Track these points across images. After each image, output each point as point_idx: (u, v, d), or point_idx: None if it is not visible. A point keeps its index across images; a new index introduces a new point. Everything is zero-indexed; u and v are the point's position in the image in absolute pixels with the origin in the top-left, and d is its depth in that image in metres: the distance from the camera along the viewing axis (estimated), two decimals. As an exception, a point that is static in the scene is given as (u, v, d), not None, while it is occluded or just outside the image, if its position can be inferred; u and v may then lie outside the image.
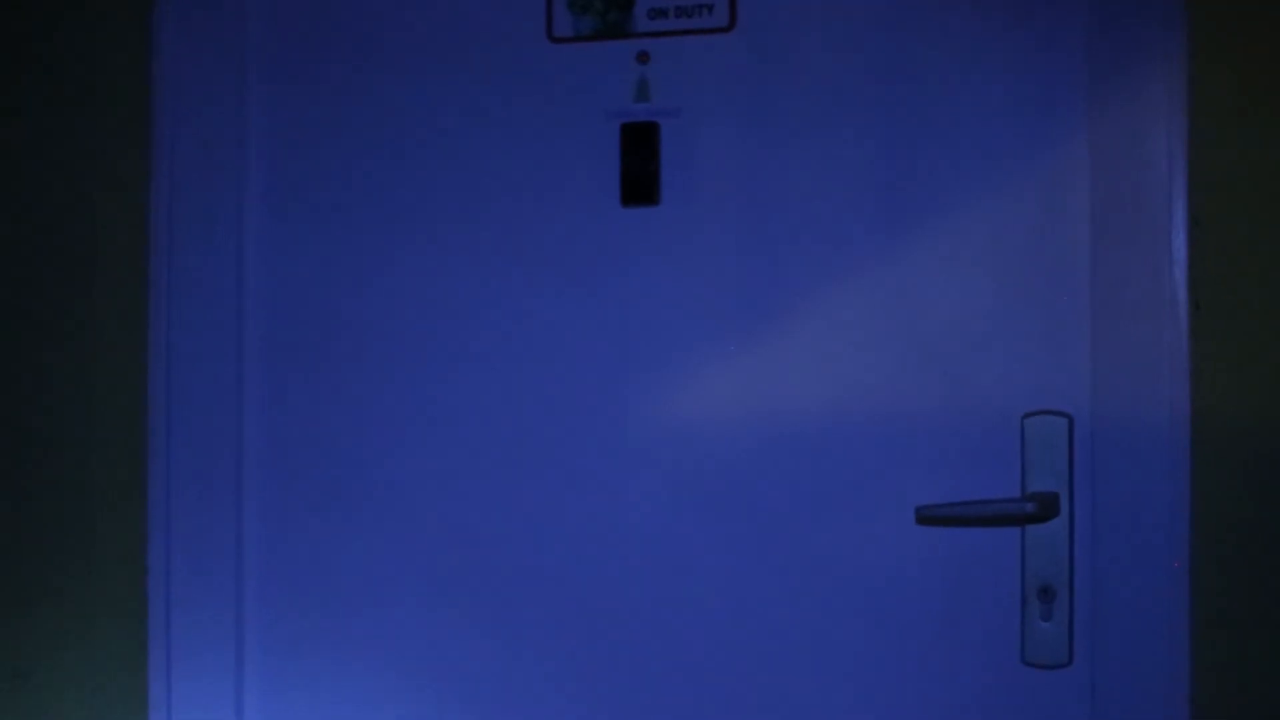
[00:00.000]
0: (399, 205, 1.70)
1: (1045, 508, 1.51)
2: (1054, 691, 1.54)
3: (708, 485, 1.62)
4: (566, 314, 1.65)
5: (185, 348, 1.71)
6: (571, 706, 1.65)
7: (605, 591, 1.64)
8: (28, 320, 1.76)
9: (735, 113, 1.61)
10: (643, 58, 1.63)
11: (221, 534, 1.71)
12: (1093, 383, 1.52)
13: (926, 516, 1.52)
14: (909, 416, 1.57)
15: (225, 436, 1.71)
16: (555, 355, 1.66)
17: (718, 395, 1.62)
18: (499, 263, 1.67)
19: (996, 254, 1.55)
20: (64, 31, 1.75)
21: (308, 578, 1.72)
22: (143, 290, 1.73)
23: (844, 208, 1.59)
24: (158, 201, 1.72)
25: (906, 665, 1.58)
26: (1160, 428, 1.49)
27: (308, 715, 1.72)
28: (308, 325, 1.72)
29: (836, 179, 1.59)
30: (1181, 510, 1.49)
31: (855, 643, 1.59)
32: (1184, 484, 1.49)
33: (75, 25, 1.75)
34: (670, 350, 1.63)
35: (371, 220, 1.71)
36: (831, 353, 1.59)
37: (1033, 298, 1.55)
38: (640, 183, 1.61)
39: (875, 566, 1.58)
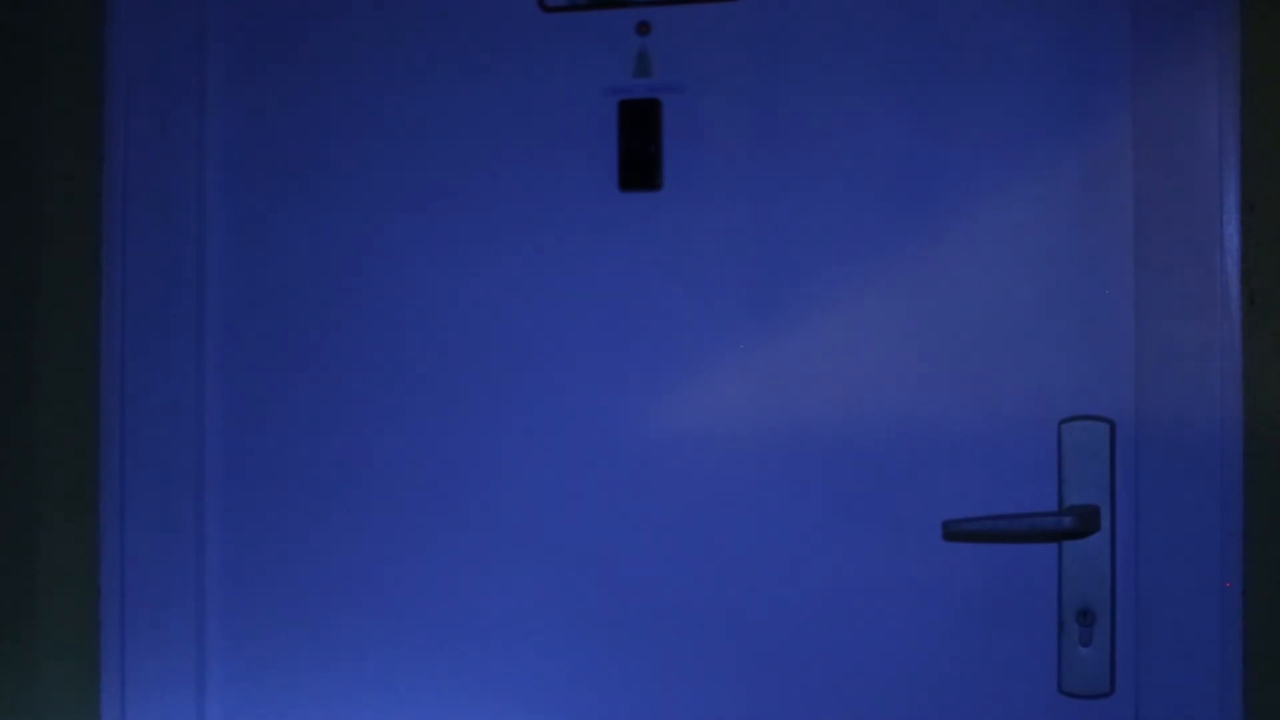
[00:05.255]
0: (375, 190, 1.68)
1: (1085, 522, 1.47)
2: (1094, 724, 1.52)
3: (712, 494, 1.60)
4: (559, 308, 1.63)
5: (141, 346, 1.70)
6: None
7: (594, 597, 1.62)
8: (-37, 318, 1.76)
9: (744, 89, 1.59)
10: (643, 28, 1.61)
11: (181, 552, 1.69)
12: (1136, 385, 1.49)
13: (955, 532, 1.49)
14: (935, 422, 1.54)
15: (185, 443, 1.69)
16: (546, 352, 1.64)
17: (723, 399, 1.60)
18: (485, 251, 1.65)
19: (1030, 242, 1.53)
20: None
21: (277, 598, 1.70)
22: (94, 283, 1.70)
23: (863, 192, 1.57)
24: (111, 186, 1.70)
25: (932, 693, 1.55)
26: (1210, 434, 1.46)
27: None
28: (276, 320, 1.70)
29: (855, 161, 1.57)
30: (1234, 525, 1.46)
31: (875, 669, 1.56)
32: (1237, 496, 1.46)
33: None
34: (672, 348, 1.61)
35: (344, 206, 1.69)
36: (850, 352, 1.57)
37: (1070, 291, 1.52)
38: (640, 165, 1.60)
39: (897, 586, 1.55)
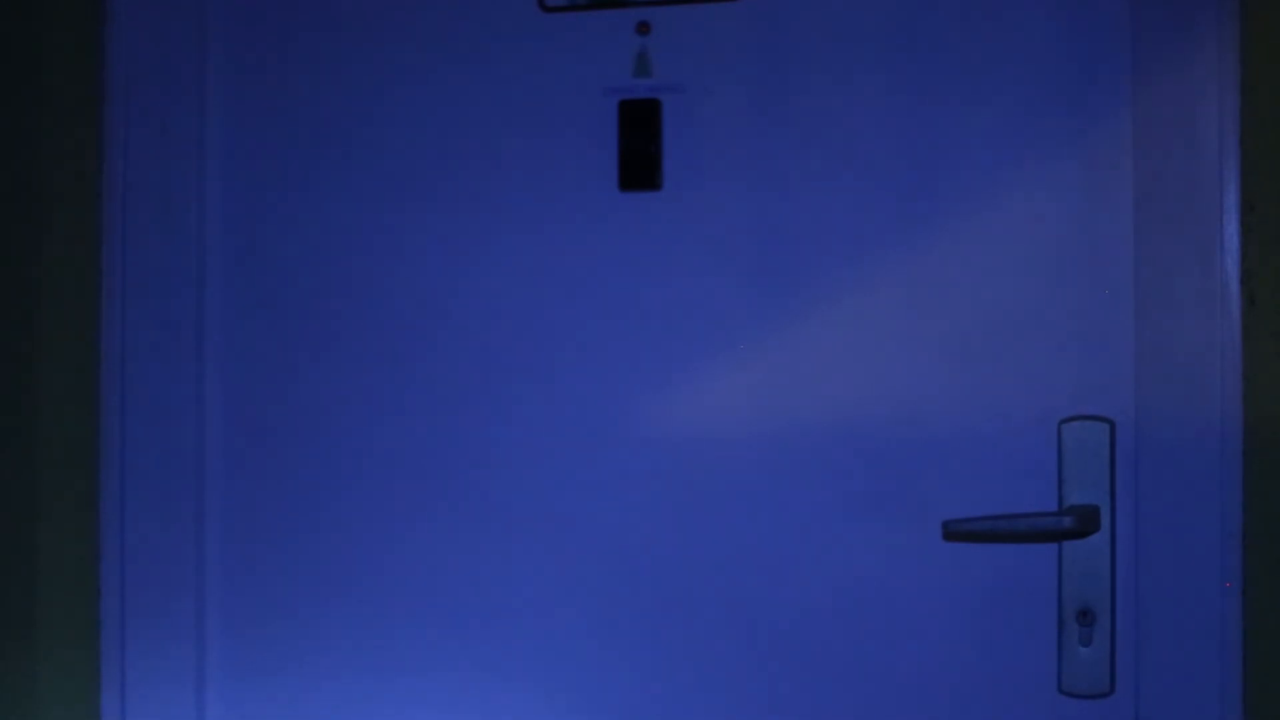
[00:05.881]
0: (375, 190, 1.68)
1: (1085, 522, 1.47)
2: (1094, 723, 1.52)
3: (714, 495, 1.59)
4: (559, 308, 1.63)
5: (141, 345, 1.69)
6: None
7: (597, 601, 1.62)
8: (-34, 318, 1.75)
9: (744, 89, 1.59)
10: (643, 28, 1.60)
11: (182, 550, 1.69)
12: (1136, 385, 1.49)
13: (955, 532, 1.49)
14: (936, 422, 1.54)
15: (185, 442, 1.69)
16: (546, 351, 1.63)
17: (723, 398, 1.59)
18: (486, 251, 1.65)
19: (1031, 243, 1.52)
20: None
21: (277, 594, 1.69)
22: (95, 283, 1.70)
23: (863, 193, 1.56)
24: (111, 186, 1.70)
25: (932, 694, 1.55)
26: (1210, 434, 1.46)
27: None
28: (274, 319, 1.70)
29: (855, 161, 1.56)
30: (1234, 525, 1.45)
31: (875, 669, 1.56)
32: (1236, 496, 1.45)
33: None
34: (672, 348, 1.60)
35: (344, 207, 1.68)
36: (850, 352, 1.56)
37: (1070, 291, 1.51)
38: (640, 165, 1.59)
39: (897, 586, 1.55)
